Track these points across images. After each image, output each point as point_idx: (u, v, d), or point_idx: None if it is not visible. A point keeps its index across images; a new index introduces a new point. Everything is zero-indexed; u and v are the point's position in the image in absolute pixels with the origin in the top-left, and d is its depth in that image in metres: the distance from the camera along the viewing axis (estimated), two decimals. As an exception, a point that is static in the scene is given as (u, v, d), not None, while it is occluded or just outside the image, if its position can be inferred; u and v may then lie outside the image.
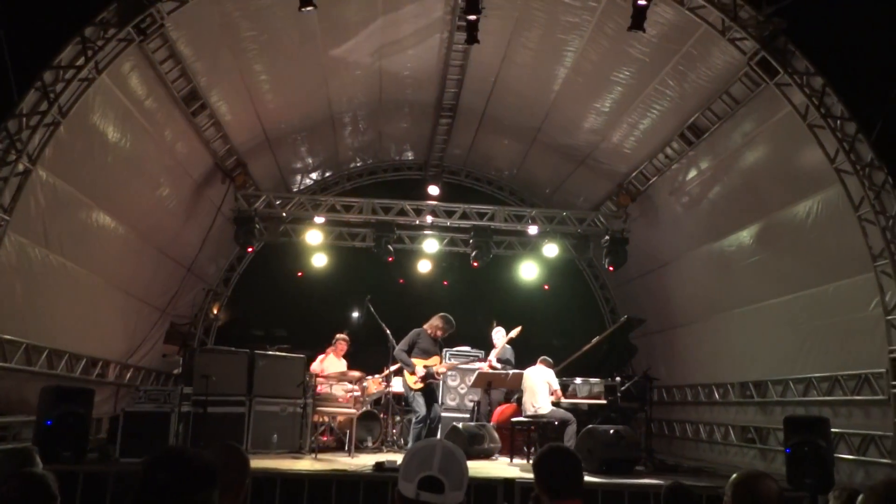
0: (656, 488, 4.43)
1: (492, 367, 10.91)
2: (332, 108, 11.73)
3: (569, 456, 3.37)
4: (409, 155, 14.85)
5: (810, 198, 8.58)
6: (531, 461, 9.29)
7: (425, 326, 9.74)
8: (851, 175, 7.83)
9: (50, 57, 7.37)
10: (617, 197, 12.35)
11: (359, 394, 10.40)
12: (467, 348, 12.10)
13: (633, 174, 11.84)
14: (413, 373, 9.48)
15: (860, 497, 3.45)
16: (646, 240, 12.35)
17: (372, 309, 10.57)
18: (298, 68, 10.23)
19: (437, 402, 9.79)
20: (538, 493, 3.39)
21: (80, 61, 7.49)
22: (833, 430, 7.81)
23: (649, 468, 9.11)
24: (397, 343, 9.83)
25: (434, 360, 9.62)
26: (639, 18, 7.84)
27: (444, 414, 10.46)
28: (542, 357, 9.95)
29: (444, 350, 11.35)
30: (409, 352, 9.60)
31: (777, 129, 8.74)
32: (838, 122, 7.87)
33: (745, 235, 10.04)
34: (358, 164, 14.77)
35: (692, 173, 10.75)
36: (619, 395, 9.79)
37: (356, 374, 10.28)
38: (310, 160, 13.75)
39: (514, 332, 10.93)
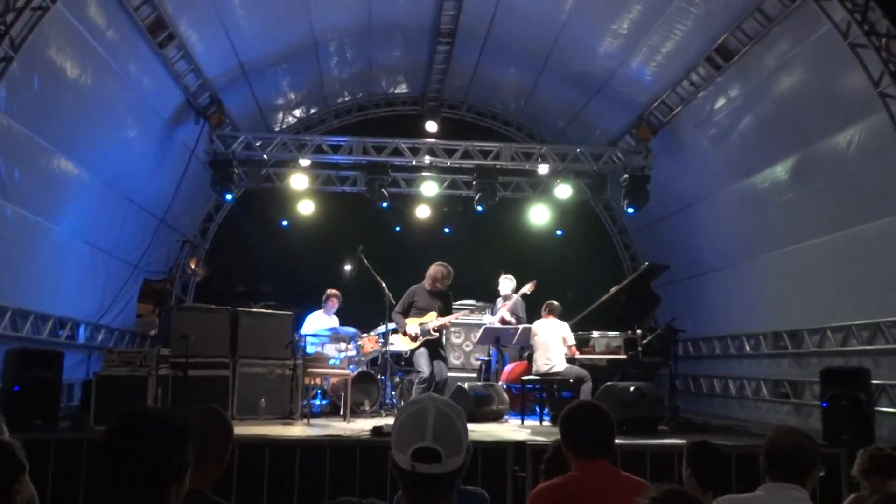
0: (681, 448, 4.50)
1: (504, 322, 10.98)
2: (316, 34, 11.57)
3: (600, 413, 3.43)
4: (404, 88, 14.71)
5: (852, 126, 8.50)
6: (552, 420, 9.46)
7: (423, 282, 9.80)
8: (898, 100, 7.76)
9: (-3, -17, 7.25)
10: (637, 130, 12.24)
11: (353, 353, 10.51)
12: (472, 302, 12.15)
13: (655, 104, 11.73)
14: (405, 333, 9.57)
15: None
16: (669, 178, 12.30)
17: (365, 260, 10.57)
18: (276, -10, 10.08)
19: (442, 360, 9.80)
20: (564, 450, 3.46)
21: (32, -13, 7.37)
22: (874, 381, 7.91)
23: (673, 427, 9.23)
24: (394, 297, 9.88)
25: (429, 316, 9.68)
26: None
27: (448, 374, 10.54)
28: (548, 303, 9.99)
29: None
30: (407, 312, 9.67)
31: (815, 50, 8.62)
32: (883, 40, 7.74)
33: (780, 171, 9.99)
34: (346, 99, 14.65)
35: (720, 102, 10.65)
36: (640, 349, 9.87)
37: (350, 330, 10.39)
38: (292, 95, 13.64)
39: (527, 287, 10.97)
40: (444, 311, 9.84)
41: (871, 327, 8.68)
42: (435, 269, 9.76)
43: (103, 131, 9.79)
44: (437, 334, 9.84)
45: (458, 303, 11.84)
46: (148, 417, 2.02)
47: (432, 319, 9.67)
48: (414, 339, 9.54)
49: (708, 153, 11.50)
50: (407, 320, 9.65)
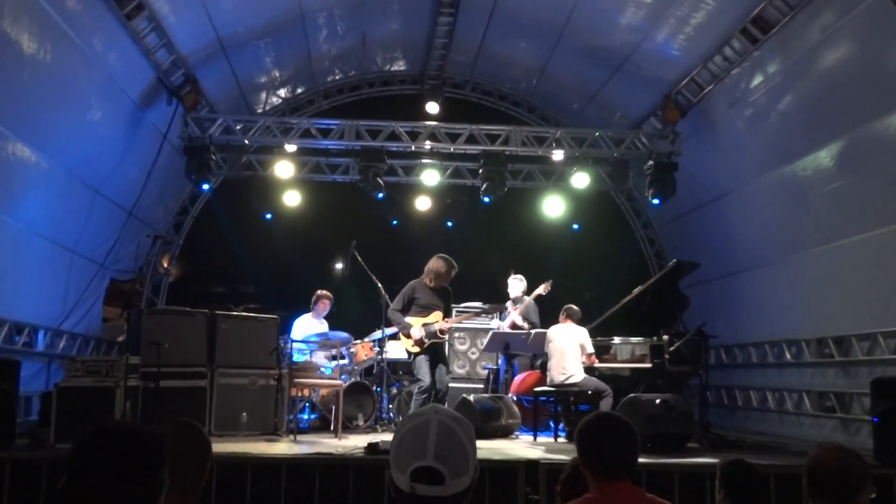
0: (713, 468, 4.49)
1: (515, 327, 10.97)
2: (303, 5, 11.57)
3: (622, 428, 3.41)
4: (401, 65, 14.73)
5: (906, 107, 8.50)
6: (567, 436, 9.46)
7: (422, 277, 9.79)
8: (958, 76, 7.74)
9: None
10: (663, 112, 12.25)
11: (346, 362, 10.50)
12: (479, 304, 12.11)
13: (683, 83, 11.72)
14: (409, 335, 9.54)
15: None
16: (699, 165, 12.29)
17: (359, 257, 10.59)
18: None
19: (445, 365, 9.79)
20: (581, 469, 3.45)
21: (-18, -49, 7.37)
22: (932, 393, 7.89)
23: (705, 444, 9.23)
24: (391, 298, 9.87)
25: (435, 315, 9.65)
26: None
27: (452, 384, 10.54)
28: (566, 307, 10.00)
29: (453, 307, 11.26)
30: (406, 310, 9.64)
31: (864, 19, 8.58)
32: (943, 8, 7.73)
33: (824, 156, 9.96)
34: (337, 78, 14.67)
35: (757, 80, 10.63)
36: (667, 357, 9.86)
37: (342, 336, 10.39)
38: (277, 73, 13.64)
39: (542, 289, 10.95)
40: (446, 310, 9.84)
41: (928, 332, 8.67)
42: (436, 262, 9.72)
43: (65, 113, 9.77)
44: (444, 337, 9.83)
45: (463, 305, 11.82)
46: (121, 432, 1.98)
47: (438, 319, 9.63)
48: (419, 341, 9.48)
49: (743, 137, 11.47)
50: (408, 319, 9.62)
